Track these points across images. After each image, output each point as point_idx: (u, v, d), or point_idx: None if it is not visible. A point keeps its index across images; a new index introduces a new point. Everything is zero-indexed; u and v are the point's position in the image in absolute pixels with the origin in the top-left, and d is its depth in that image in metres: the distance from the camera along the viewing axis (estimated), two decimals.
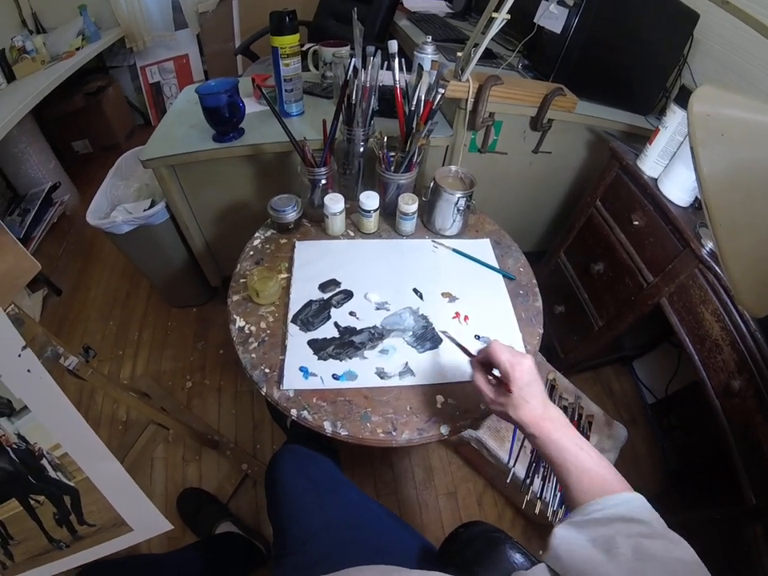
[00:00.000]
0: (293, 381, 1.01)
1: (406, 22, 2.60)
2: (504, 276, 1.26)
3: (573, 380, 1.74)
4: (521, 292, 1.23)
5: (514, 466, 1.49)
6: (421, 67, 1.27)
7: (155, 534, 0.85)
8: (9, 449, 0.74)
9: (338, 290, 1.19)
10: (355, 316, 1.14)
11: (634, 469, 1.87)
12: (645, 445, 1.95)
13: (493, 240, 1.37)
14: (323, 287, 1.20)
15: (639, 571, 0.53)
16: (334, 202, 1.24)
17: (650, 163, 1.42)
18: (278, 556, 1.00)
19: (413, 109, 1.24)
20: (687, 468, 1.79)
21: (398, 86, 1.26)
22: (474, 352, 0.88)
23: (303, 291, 1.18)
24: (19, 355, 0.65)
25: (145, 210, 1.76)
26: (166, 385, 2.09)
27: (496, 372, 0.81)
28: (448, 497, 1.78)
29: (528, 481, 1.45)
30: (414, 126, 1.23)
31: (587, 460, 0.70)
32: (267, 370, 1.03)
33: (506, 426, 1.55)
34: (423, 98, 1.21)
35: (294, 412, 0.97)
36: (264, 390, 1.01)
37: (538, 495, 1.42)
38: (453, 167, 1.34)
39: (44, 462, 0.76)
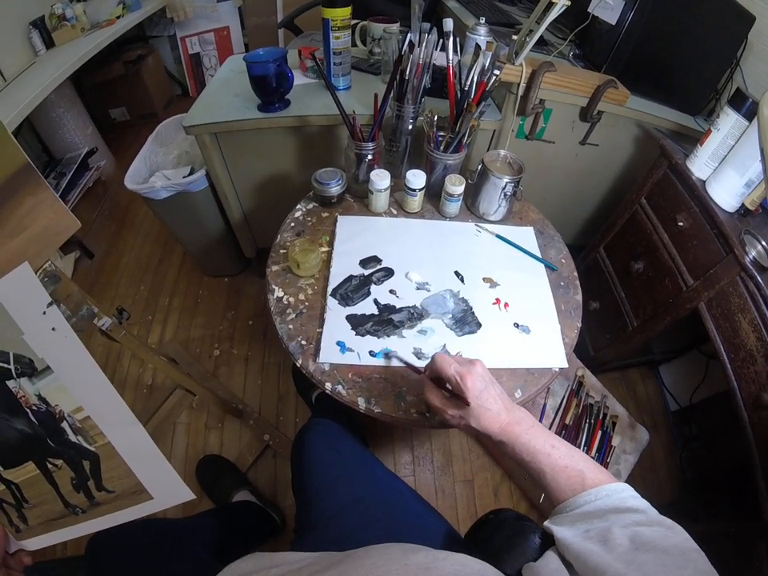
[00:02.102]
0: (329, 355, 0.99)
1: (454, 3, 2.54)
2: (546, 266, 1.23)
3: (600, 378, 1.72)
4: (561, 284, 1.20)
5: None
6: (478, 47, 1.24)
7: (176, 503, 0.81)
8: (28, 410, 0.73)
9: (378, 267, 1.17)
10: (395, 294, 1.12)
11: (650, 475, 1.85)
12: (663, 452, 1.92)
13: (536, 229, 1.34)
14: (364, 263, 1.17)
15: (639, 561, 0.51)
16: (380, 178, 1.21)
17: (700, 164, 1.38)
18: (300, 529, 0.99)
19: (465, 89, 1.20)
20: (704, 479, 1.76)
21: (450, 65, 1.22)
22: (422, 368, 0.87)
23: (344, 266, 1.16)
24: (44, 312, 0.64)
25: (184, 177, 1.74)
26: (193, 352, 2.10)
27: (449, 385, 0.78)
28: (465, 484, 1.77)
29: None
30: (466, 106, 1.19)
31: (561, 458, 0.69)
32: (304, 342, 1.02)
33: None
34: (477, 78, 1.18)
35: (328, 386, 0.95)
36: (299, 361, 0.99)
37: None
38: (502, 151, 1.31)
39: (64, 425, 0.74)
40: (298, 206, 1.33)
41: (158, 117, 3.53)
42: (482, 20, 1.54)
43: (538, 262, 1.24)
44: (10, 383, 0.69)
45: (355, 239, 1.23)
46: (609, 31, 1.65)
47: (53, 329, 0.65)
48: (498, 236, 1.29)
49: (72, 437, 0.75)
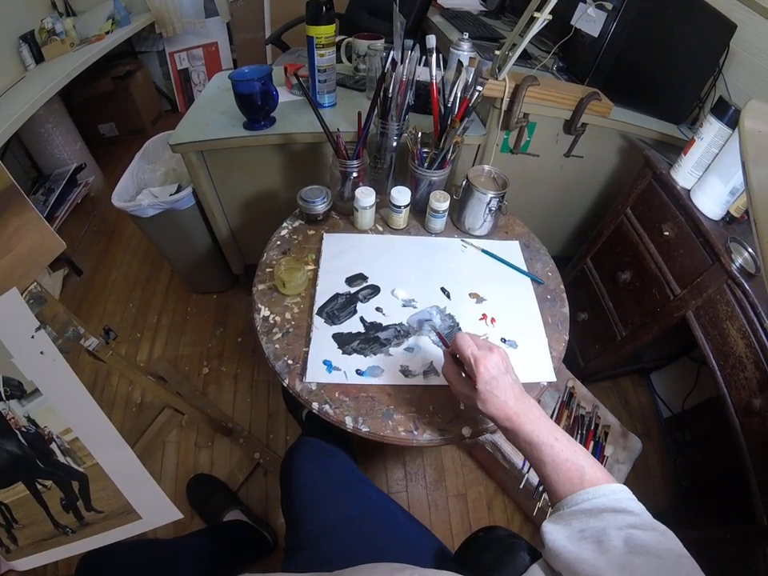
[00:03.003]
0: (316, 374, 0.99)
1: (439, 18, 2.59)
2: (532, 279, 1.24)
3: (591, 389, 1.72)
4: (548, 297, 1.21)
5: (527, 472, 1.48)
6: (460, 63, 1.25)
7: (164, 522, 0.83)
8: (17, 432, 0.73)
9: (364, 284, 1.17)
10: (381, 312, 1.12)
11: (645, 482, 1.85)
12: (657, 458, 1.93)
13: (522, 242, 1.34)
14: (350, 281, 1.18)
15: (632, 566, 0.52)
16: (365, 196, 1.22)
17: (684, 174, 1.39)
18: (290, 549, 0.98)
19: (448, 105, 1.21)
20: (699, 485, 1.77)
21: (434, 81, 1.23)
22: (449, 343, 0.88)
23: (330, 284, 1.16)
24: (32, 336, 0.65)
25: (171, 195, 1.75)
26: (182, 370, 2.10)
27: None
28: (458, 498, 1.77)
29: (541, 488, 1.43)
30: (449, 122, 1.20)
31: (563, 451, 0.70)
32: (290, 362, 1.02)
33: None
34: (460, 94, 1.19)
35: (315, 405, 0.95)
36: (286, 381, 0.99)
37: (550, 503, 1.40)
38: (486, 167, 1.32)
39: (53, 446, 0.75)
40: (284, 224, 1.33)
41: (146, 132, 3.55)
42: (465, 35, 1.55)
43: (525, 276, 1.24)
44: (1, 405, 0.70)
45: (341, 257, 1.23)
46: (591, 43, 1.67)
47: (41, 352, 0.66)
48: (483, 251, 1.29)
49: (61, 458, 0.76)
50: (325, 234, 1.29)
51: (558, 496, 0.69)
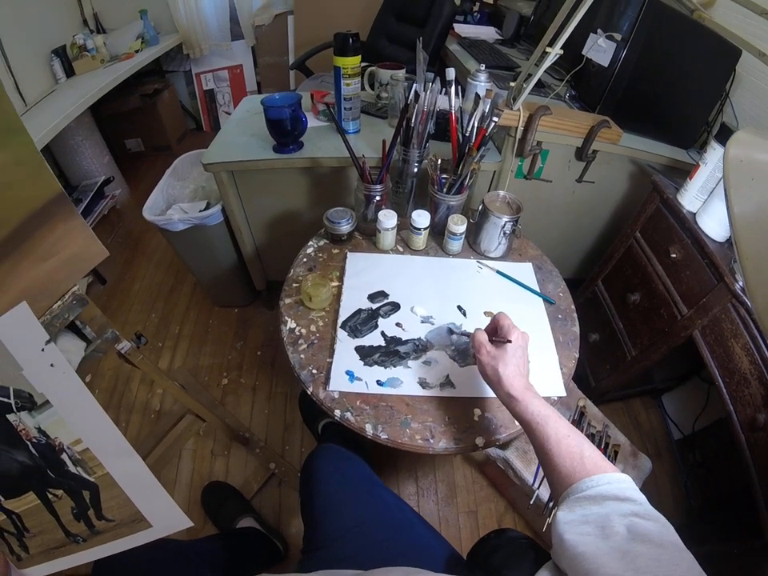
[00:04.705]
0: (339, 383, 1.05)
1: (456, 47, 2.66)
2: (544, 300, 1.29)
3: (602, 409, 1.74)
4: (559, 316, 1.26)
5: (538, 488, 1.50)
6: (478, 96, 1.31)
7: (175, 530, 0.84)
8: (29, 443, 0.73)
9: (386, 301, 1.23)
10: (401, 327, 1.17)
11: (655, 503, 1.78)
12: (668, 479, 1.93)
13: (535, 264, 1.39)
14: (372, 297, 1.24)
15: (634, 552, 0.54)
16: (387, 218, 1.28)
17: (690, 198, 1.43)
18: (307, 550, 1.02)
19: (466, 134, 1.28)
20: (709, 505, 1.77)
21: (453, 111, 1.29)
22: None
23: (353, 300, 1.23)
24: (42, 350, 0.65)
25: (200, 211, 1.83)
26: (202, 380, 2.15)
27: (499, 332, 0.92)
28: (468, 515, 1.78)
29: (551, 504, 1.44)
30: (467, 150, 1.27)
31: (565, 427, 0.75)
32: (314, 371, 1.08)
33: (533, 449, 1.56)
34: (477, 124, 1.25)
35: (337, 413, 1.01)
36: (310, 389, 1.05)
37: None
38: (501, 192, 1.37)
39: (64, 456, 0.75)
40: (310, 243, 1.40)
41: (172, 149, 3.64)
42: (482, 67, 1.62)
43: (537, 296, 1.29)
44: (11, 417, 0.70)
45: (364, 274, 1.30)
46: (602, 72, 1.73)
47: (51, 365, 0.66)
48: (498, 272, 1.34)
49: (72, 468, 0.76)
50: (348, 253, 1.36)
51: (558, 473, 0.71)
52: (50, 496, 0.78)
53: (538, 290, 1.31)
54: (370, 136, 1.72)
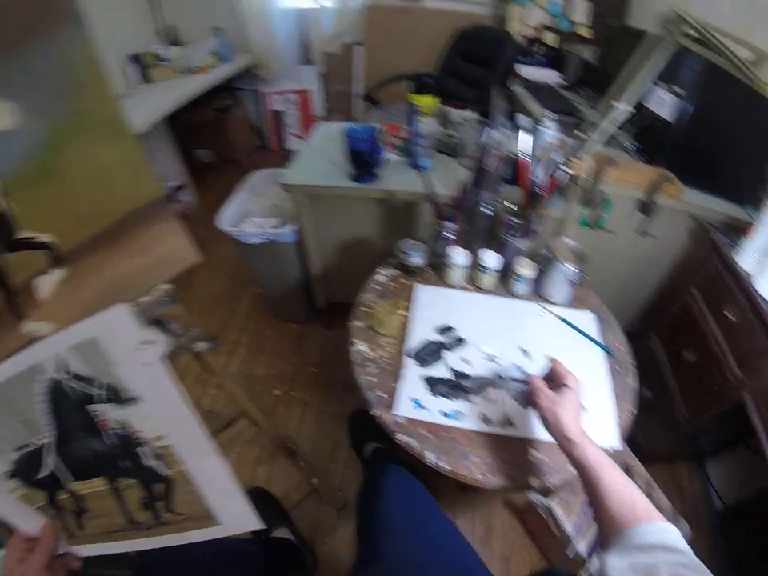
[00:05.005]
0: (404, 408, 1.09)
1: (519, 89, 2.72)
2: (604, 350, 1.30)
3: (647, 468, 1.71)
4: (617, 368, 1.26)
5: (577, 540, 1.48)
6: (549, 144, 1.35)
7: (242, 531, 0.82)
8: (106, 432, 0.73)
9: (452, 335, 1.27)
10: (467, 362, 1.21)
11: None
12: (706, 547, 1.84)
13: (595, 314, 1.41)
14: (439, 330, 1.28)
15: None
16: (458, 255, 1.34)
17: (746, 257, 1.41)
18: (360, 563, 1.06)
19: (536, 180, 1.32)
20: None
21: (524, 158, 1.33)
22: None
23: (421, 330, 1.27)
24: (137, 348, 0.66)
25: (274, 227, 1.92)
26: (254, 388, 2.20)
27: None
28: (502, 561, 1.74)
29: (589, 557, 1.44)
30: (537, 197, 1.32)
31: (619, 476, 0.77)
32: (381, 394, 1.12)
33: (577, 500, 1.56)
34: (548, 173, 1.31)
35: (401, 437, 1.05)
36: (376, 411, 1.09)
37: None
38: (567, 240, 1.40)
39: (143, 449, 0.74)
40: (381, 270, 1.45)
41: (240, 163, 3.78)
42: (548, 112, 1.66)
43: (597, 346, 1.31)
44: (92, 407, 0.71)
45: (432, 307, 1.34)
46: (664, 125, 1.76)
47: (144, 364, 0.67)
48: (560, 318, 1.37)
49: (149, 461, 0.76)
50: (418, 285, 1.41)
51: (609, 517, 0.72)
52: (120, 484, 0.78)
53: (598, 340, 1.32)
54: (442, 173, 1.77)
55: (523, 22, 3.06)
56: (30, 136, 0.82)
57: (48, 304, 0.92)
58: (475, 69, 2.92)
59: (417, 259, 1.38)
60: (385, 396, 1.12)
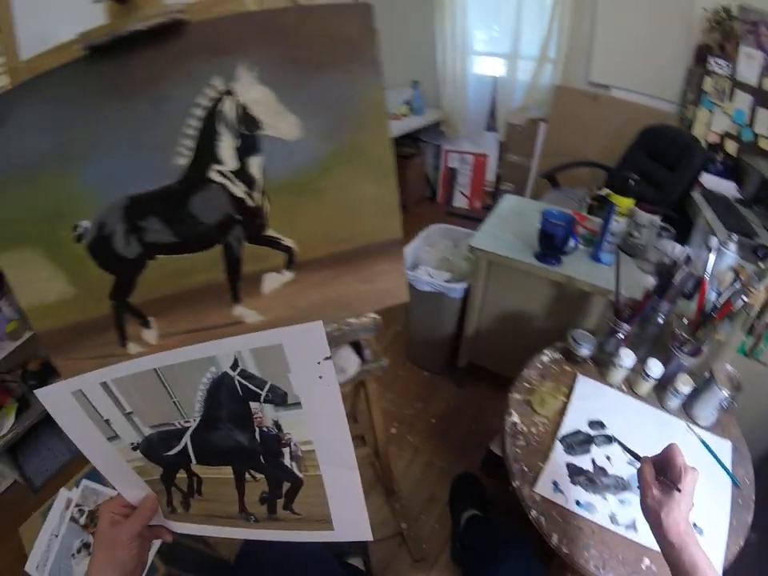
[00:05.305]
0: (544, 488, 1.18)
1: (698, 195, 2.70)
2: (733, 481, 1.30)
3: None
4: (739, 501, 1.26)
5: None
6: (733, 270, 1.41)
7: (354, 539, 0.86)
8: (258, 429, 0.75)
9: (602, 431, 1.34)
10: (609, 461, 1.27)
11: None
12: None
13: (733, 444, 1.41)
14: (591, 424, 1.35)
15: None
16: (627, 357, 1.40)
17: None
18: None
19: (712, 301, 1.37)
20: None
21: (706, 278, 1.38)
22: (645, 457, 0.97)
23: (575, 419, 1.35)
24: (319, 363, 0.68)
25: (446, 281, 2.07)
26: (370, 421, 2.26)
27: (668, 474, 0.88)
28: None
29: None
30: (709, 317, 1.36)
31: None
32: (525, 468, 1.21)
33: None
34: (725, 296, 1.34)
35: (533, 513, 1.13)
36: (517, 483, 1.18)
37: None
38: (728, 365, 1.42)
39: (286, 450, 0.76)
40: (546, 352, 1.54)
41: (408, 210, 4.00)
42: (734, 237, 1.66)
43: (726, 474, 1.32)
44: (254, 405, 0.73)
45: (589, 400, 1.42)
46: None
47: (320, 377, 0.69)
48: (702, 440, 1.38)
49: (287, 461, 0.78)
50: (579, 375, 1.48)
51: None
52: (247, 476, 0.80)
53: (730, 470, 1.33)
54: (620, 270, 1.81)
55: (708, 127, 3.02)
56: (307, 152, 0.89)
57: (266, 298, 0.98)
58: (659, 169, 2.89)
59: (585, 350, 1.47)
60: (528, 471, 1.21)
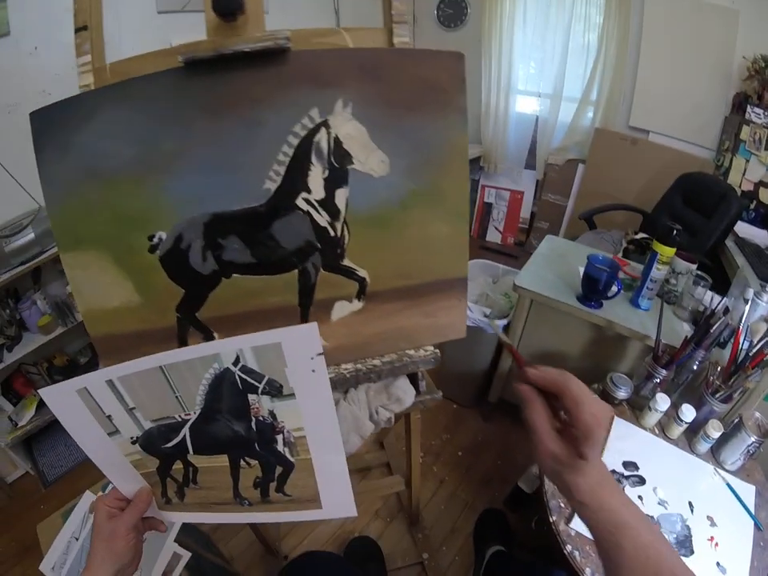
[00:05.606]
0: (579, 524, 1.26)
1: (731, 243, 2.76)
2: (756, 524, 1.37)
3: None
4: (761, 543, 1.33)
5: None
6: (765, 321, 1.50)
7: (340, 516, 0.90)
8: (254, 418, 0.78)
9: (635, 472, 1.44)
10: (641, 501, 1.36)
11: None
12: None
13: (757, 489, 1.47)
14: (625, 465, 1.45)
15: None
16: (663, 401, 1.49)
17: None
18: None
19: (745, 350, 1.44)
20: None
21: (741, 328, 1.47)
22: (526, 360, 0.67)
23: (610, 458, 1.44)
24: (312, 358, 0.71)
25: (486, 316, 2.16)
26: (399, 449, 2.32)
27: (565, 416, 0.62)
28: None
29: None
30: (741, 365, 1.43)
31: (645, 534, 0.59)
32: (562, 505, 1.30)
33: None
34: (758, 345, 1.42)
35: (568, 547, 1.22)
36: (554, 518, 1.27)
37: None
38: (756, 413, 1.50)
39: (279, 436, 0.80)
40: None
41: None
42: (767, 287, 1.71)
43: (750, 518, 1.39)
44: (252, 396, 0.76)
45: (624, 441, 1.51)
46: None
47: (313, 370, 0.72)
48: (728, 484, 1.46)
49: (280, 447, 0.81)
50: (616, 418, 1.56)
51: None
52: (242, 463, 0.83)
53: (753, 513, 1.40)
54: (655, 316, 1.80)
55: (743, 175, 3.07)
56: (390, 189, 0.98)
57: (333, 325, 1.07)
58: (695, 216, 2.94)
59: (623, 393, 1.57)
60: (564, 507, 1.30)
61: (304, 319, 1.06)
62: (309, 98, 0.92)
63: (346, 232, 1.01)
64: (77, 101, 0.87)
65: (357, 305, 1.08)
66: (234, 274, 1.01)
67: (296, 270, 1.03)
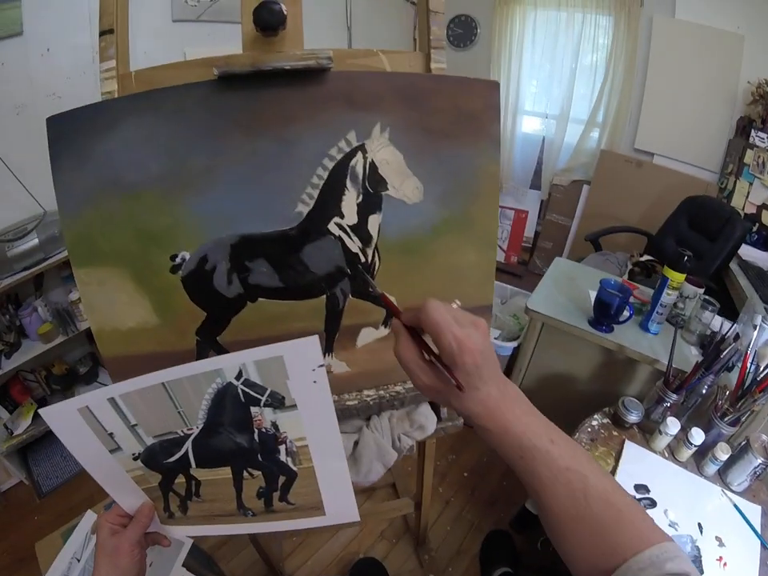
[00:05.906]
0: None
1: (735, 266, 2.83)
2: (762, 544, 1.41)
3: None
4: (767, 563, 1.37)
5: None
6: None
7: (343, 521, 0.90)
8: (257, 430, 0.79)
9: (647, 495, 1.48)
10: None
11: None
12: None
13: (763, 509, 1.51)
14: (637, 488, 1.50)
15: None
16: (673, 425, 1.54)
17: None
18: None
19: (752, 374, 1.49)
20: None
21: (748, 352, 1.52)
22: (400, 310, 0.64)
23: (621, 482, 1.44)
24: (313, 370, 0.71)
25: (496, 338, 2.21)
26: (405, 469, 2.36)
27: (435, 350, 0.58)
28: None
29: None
30: (748, 389, 1.48)
31: (561, 457, 0.56)
32: None
33: None
34: (765, 372, 1.47)
35: None
36: None
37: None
38: (762, 435, 1.54)
39: (282, 446, 0.80)
40: (595, 416, 1.68)
41: None
42: None
43: (757, 537, 1.43)
44: (254, 409, 0.76)
45: (636, 464, 1.56)
46: None
47: (314, 382, 0.72)
48: (735, 505, 1.50)
49: (283, 457, 0.81)
50: (627, 441, 1.62)
51: (552, 520, 0.58)
52: (245, 474, 0.83)
53: (760, 533, 1.44)
54: (663, 340, 1.89)
55: (746, 198, 3.16)
56: (422, 215, 0.99)
57: (357, 351, 1.08)
58: (699, 239, 3.00)
59: (634, 417, 1.61)
60: None
61: (329, 346, 1.06)
62: (346, 120, 0.92)
63: (376, 258, 1.01)
64: (100, 108, 0.85)
65: (383, 331, 1.09)
66: (260, 298, 1.00)
67: (324, 296, 1.03)
